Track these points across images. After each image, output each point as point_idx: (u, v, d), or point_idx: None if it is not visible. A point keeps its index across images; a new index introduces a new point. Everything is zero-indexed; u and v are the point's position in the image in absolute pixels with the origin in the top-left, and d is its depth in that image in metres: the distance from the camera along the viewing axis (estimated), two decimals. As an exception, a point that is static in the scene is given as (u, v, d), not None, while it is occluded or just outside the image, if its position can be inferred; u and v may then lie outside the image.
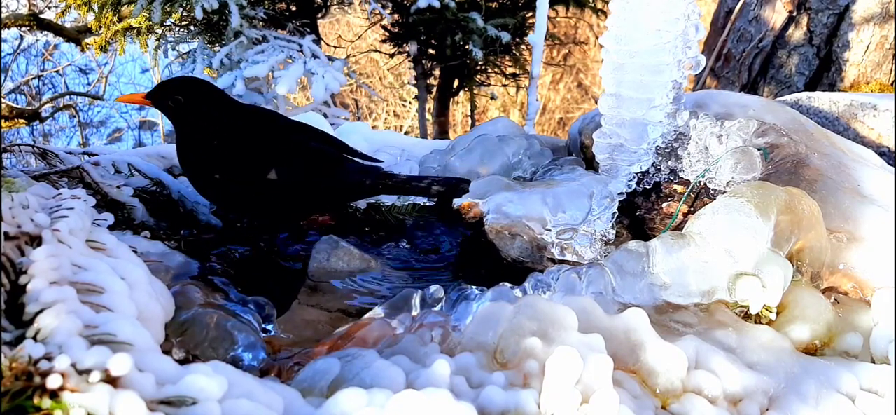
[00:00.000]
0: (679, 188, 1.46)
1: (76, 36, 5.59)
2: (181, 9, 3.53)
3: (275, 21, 4.10)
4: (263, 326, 1.20)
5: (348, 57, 5.66)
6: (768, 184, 1.26)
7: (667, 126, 1.44)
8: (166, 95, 1.52)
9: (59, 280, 0.81)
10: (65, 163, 1.58)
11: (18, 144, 1.65)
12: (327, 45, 5.81)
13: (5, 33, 6.66)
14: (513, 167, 1.77)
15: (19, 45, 7.73)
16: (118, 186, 1.55)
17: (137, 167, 1.67)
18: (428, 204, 1.85)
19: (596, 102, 1.61)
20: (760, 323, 1.16)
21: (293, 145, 1.54)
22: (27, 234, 0.91)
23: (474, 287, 1.24)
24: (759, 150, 1.43)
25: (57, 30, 5.67)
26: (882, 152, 1.81)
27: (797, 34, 3.30)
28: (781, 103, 1.84)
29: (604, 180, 1.49)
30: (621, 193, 1.45)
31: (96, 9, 3.72)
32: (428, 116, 5.06)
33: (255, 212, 1.58)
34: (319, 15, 4.59)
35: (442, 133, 4.90)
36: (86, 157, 1.64)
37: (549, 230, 1.42)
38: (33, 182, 1.23)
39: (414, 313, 1.21)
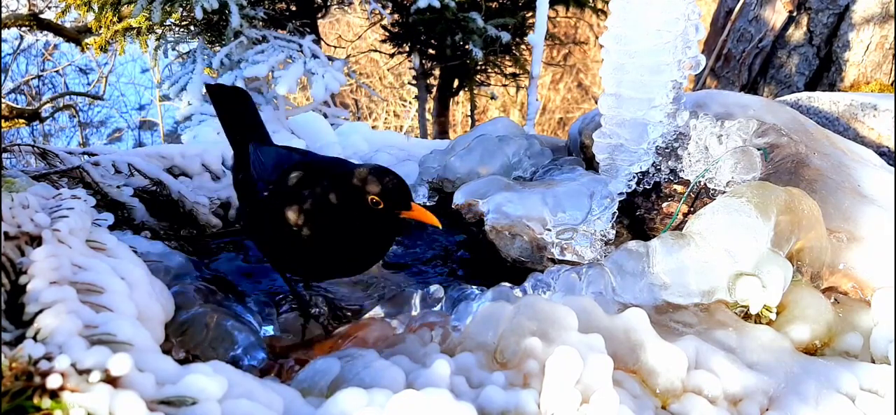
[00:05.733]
0: (679, 188, 1.46)
1: (76, 36, 5.60)
2: (181, 9, 3.53)
3: (275, 21, 4.10)
4: (263, 326, 1.20)
5: (348, 57, 5.66)
6: (768, 184, 1.26)
7: (667, 126, 1.44)
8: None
9: (59, 280, 0.81)
10: (65, 163, 1.58)
11: (18, 144, 1.65)
12: (327, 45, 5.81)
13: (5, 33, 6.67)
14: (513, 167, 1.77)
15: (19, 45, 7.73)
16: (118, 186, 1.55)
17: (137, 167, 1.67)
18: (428, 204, 1.85)
19: (596, 102, 1.61)
20: (760, 323, 1.16)
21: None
22: (27, 234, 0.91)
23: (474, 287, 1.24)
24: (759, 150, 1.43)
25: (57, 30, 5.67)
26: (882, 152, 1.81)
27: (797, 34, 3.30)
28: (781, 103, 1.84)
29: (604, 180, 1.49)
30: (621, 193, 1.45)
31: (96, 9, 3.72)
32: (428, 116, 5.06)
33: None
34: (319, 15, 4.59)
35: (442, 133, 4.90)
36: (86, 157, 1.64)
37: (549, 230, 1.42)
38: (33, 182, 1.23)
39: (414, 312, 1.21)
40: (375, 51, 6.46)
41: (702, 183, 1.43)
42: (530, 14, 4.38)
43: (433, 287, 1.26)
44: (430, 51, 4.57)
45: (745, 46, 3.49)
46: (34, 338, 0.70)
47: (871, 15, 3.09)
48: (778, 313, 1.17)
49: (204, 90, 1.35)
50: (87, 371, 0.64)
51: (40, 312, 0.74)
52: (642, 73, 1.41)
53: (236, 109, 1.49)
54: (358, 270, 1.31)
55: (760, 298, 1.14)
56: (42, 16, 5.74)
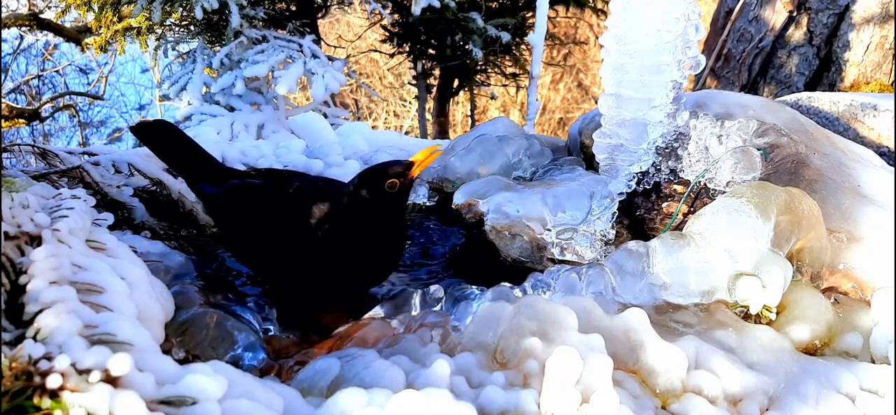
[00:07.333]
0: (679, 188, 1.46)
1: (76, 36, 5.60)
2: (181, 9, 3.53)
3: (275, 21, 4.10)
4: (263, 326, 1.20)
5: (348, 57, 5.66)
6: (768, 184, 1.26)
7: (667, 126, 1.44)
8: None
9: (59, 280, 0.81)
10: (65, 163, 1.58)
11: (18, 144, 1.65)
12: (327, 45, 5.81)
13: (5, 33, 6.67)
14: (513, 167, 1.77)
15: (19, 45, 7.73)
16: (118, 186, 1.55)
17: (137, 167, 1.67)
18: (427, 204, 1.85)
19: (596, 102, 1.61)
20: (760, 323, 1.16)
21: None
22: (27, 234, 0.91)
23: (474, 287, 1.24)
24: (759, 150, 1.43)
25: (57, 30, 5.67)
26: (882, 152, 1.81)
27: (797, 34, 3.30)
28: (781, 103, 1.84)
29: (604, 180, 1.49)
30: (621, 193, 1.45)
31: (96, 9, 3.72)
32: (428, 116, 5.06)
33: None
34: (319, 15, 4.59)
35: (442, 133, 4.91)
36: (86, 157, 1.64)
37: (549, 230, 1.42)
38: (33, 182, 1.23)
39: (414, 312, 1.21)
40: (375, 51, 6.46)
41: (702, 183, 1.43)
42: (530, 14, 4.39)
43: (433, 287, 1.25)
44: (431, 51, 4.57)
45: (745, 46, 3.49)
46: (34, 338, 0.70)
47: (871, 15, 3.09)
48: (778, 313, 1.17)
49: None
50: (87, 371, 0.64)
51: (40, 312, 0.74)
52: (642, 73, 1.41)
53: (168, 145, 1.43)
54: (390, 270, 1.36)
55: (760, 298, 1.14)
56: (42, 16, 5.74)
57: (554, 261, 1.40)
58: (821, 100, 1.98)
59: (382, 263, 1.32)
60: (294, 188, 1.33)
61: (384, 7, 4.50)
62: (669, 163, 1.47)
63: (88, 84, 8.31)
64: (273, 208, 1.30)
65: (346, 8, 5.09)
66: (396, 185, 1.23)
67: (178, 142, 1.43)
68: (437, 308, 1.22)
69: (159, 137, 1.43)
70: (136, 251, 1.11)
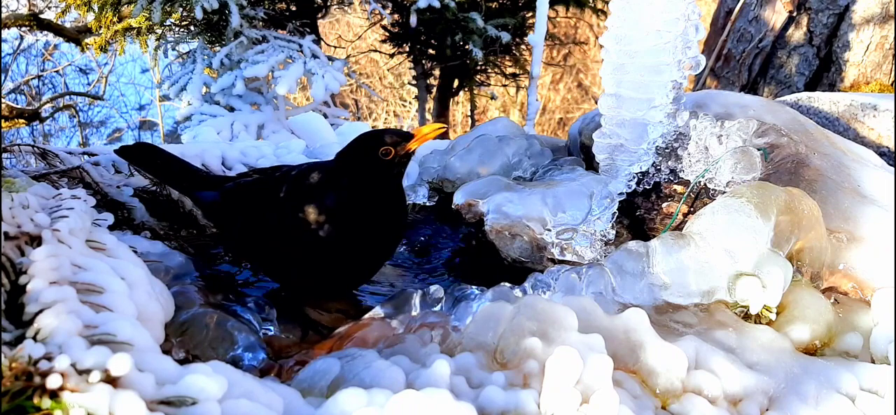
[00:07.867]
0: (679, 188, 1.46)
1: (76, 36, 5.60)
2: (181, 9, 3.53)
3: (275, 21, 4.10)
4: (263, 326, 1.20)
5: (348, 57, 5.67)
6: (768, 184, 1.26)
7: (667, 126, 1.44)
8: None
9: (59, 280, 0.81)
10: (65, 163, 1.58)
11: (18, 144, 1.65)
12: (327, 45, 5.82)
13: (5, 33, 6.67)
14: (513, 167, 1.77)
15: (19, 45, 7.74)
16: (118, 186, 1.55)
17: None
18: (428, 204, 1.85)
19: (596, 102, 1.61)
20: (760, 323, 1.16)
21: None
22: (27, 234, 0.91)
23: (474, 287, 1.24)
24: (759, 150, 1.43)
25: (57, 30, 5.68)
26: (882, 152, 1.81)
27: (797, 34, 3.30)
28: (781, 103, 1.84)
29: (604, 180, 1.49)
30: (621, 193, 1.45)
31: (96, 9, 3.73)
32: (428, 116, 5.07)
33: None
34: (319, 15, 4.60)
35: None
36: (86, 157, 1.64)
37: (549, 230, 1.42)
38: (33, 182, 1.23)
39: (414, 312, 1.21)
40: (375, 51, 6.47)
41: (702, 183, 1.43)
42: (530, 14, 4.39)
43: (433, 287, 1.25)
44: (430, 51, 4.57)
45: (745, 46, 3.49)
46: (34, 338, 0.71)
47: (871, 15, 3.09)
48: (778, 313, 1.17)
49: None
50: (87, 371, 0.64)
51: (40, 312, 0.74)
52: (642, 73, 1.41)
53: (155, 162, 1.46)
54: (393, 247, 1.33)
55: (760, 298, 1.14)
56: (42, 16, 5.75)
57: (554, 261, 1.40)
58: (821, 100, 1.98)
59: (379, 245, 1.28)
60: (288, 174, 1.32)
61: (384, 7, 4.51)
62: (669, 163, 1.47)
63: (88, 84, 8.32)
64: (269, 200, 1.29)
65: (346, 8, 5.10)
66: (390, 152, 1.20)
67: (162, 158, 1.47)
68: (437, 308, 1.22)
69: (144, 157, 1.47)
70: (136, 251, 1.11)
